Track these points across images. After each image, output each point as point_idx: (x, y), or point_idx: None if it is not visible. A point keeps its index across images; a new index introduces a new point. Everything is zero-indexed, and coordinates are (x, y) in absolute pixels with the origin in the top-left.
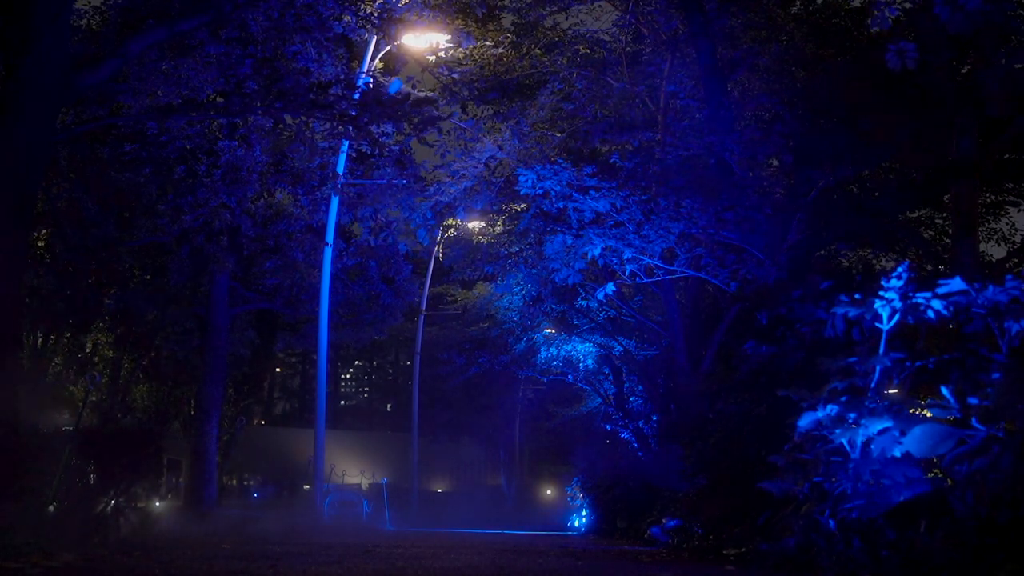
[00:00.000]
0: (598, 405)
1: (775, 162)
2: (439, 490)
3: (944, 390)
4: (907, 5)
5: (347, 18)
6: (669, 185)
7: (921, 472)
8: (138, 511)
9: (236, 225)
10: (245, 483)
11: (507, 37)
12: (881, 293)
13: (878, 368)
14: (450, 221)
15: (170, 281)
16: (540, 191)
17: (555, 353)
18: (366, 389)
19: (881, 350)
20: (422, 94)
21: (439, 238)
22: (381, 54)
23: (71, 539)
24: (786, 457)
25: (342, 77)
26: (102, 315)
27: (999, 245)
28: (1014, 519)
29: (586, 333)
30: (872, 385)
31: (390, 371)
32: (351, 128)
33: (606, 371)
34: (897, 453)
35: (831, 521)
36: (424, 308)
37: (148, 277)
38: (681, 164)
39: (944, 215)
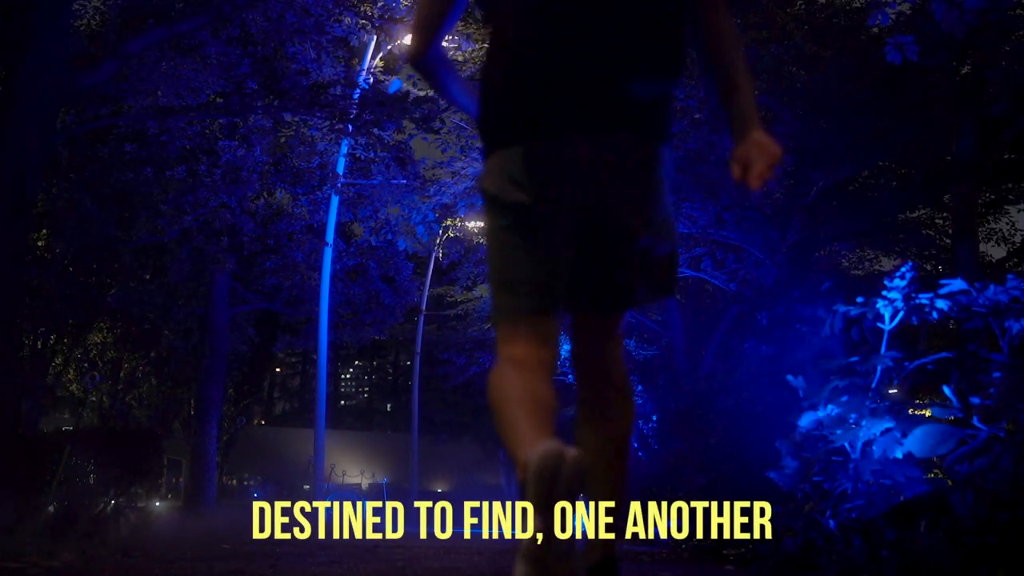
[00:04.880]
0: None
1: None
2: (439, 490)
3: (946, 389)
4: (907, 5)
5: (347, 20)
6: None
7: (921, 472)
8: (138, 511)
9: (236, 225)
10: (245, 483)
11: None
12: (884, 293)
13: (879, 368)
14: (449, 221)
15: (170, 281)
16: None
17: None
18: (366, 389)
19: (883, 350)
20: (422, 93)
21: (439, 238)
22: (381, 54)
23: (71, 539)
24: (790, 444)
25: (342, 77)
26: (102, 315)
27: (999, 245)
28: (1014, 519)
29: None
30: (873, 385)
31: (390, 371)
32: (351, 127)
33: None
34: (898, 454)
35: (831, 521)
36: (424, 308)
37: (148, 277)
38: (680, 164)
39: (944, 215)
